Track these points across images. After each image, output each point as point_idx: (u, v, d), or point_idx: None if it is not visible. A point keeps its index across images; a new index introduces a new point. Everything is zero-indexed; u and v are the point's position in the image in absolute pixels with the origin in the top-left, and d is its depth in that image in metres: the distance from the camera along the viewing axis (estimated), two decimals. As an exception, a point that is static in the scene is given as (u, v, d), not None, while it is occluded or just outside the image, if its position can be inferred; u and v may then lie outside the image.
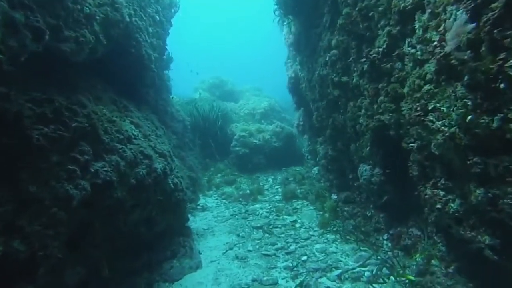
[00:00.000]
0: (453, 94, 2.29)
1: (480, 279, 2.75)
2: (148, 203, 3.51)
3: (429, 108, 2.60)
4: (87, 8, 3.01)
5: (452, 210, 2.59)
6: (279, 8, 6.68)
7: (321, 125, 6.01)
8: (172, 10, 6.63)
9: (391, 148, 3.69)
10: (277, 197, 6.99)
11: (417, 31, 2.76)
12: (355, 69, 4.24)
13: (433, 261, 3.20)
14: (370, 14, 3.65)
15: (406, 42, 2.98)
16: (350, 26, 4.18)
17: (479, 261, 2.53)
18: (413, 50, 2.85)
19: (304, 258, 4.23)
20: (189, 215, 5.02)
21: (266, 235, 5.05)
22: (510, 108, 1.88)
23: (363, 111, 4.15)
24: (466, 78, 2.11)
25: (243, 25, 48.05)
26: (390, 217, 4.20)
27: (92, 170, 2.67)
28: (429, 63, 2.61)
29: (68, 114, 2.60)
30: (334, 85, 4.91)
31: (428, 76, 2.61)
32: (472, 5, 2.00)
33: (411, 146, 3.05)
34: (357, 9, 3.92)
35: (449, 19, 2.20)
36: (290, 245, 4.62)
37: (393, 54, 3.30)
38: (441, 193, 2.74)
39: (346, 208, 5.23)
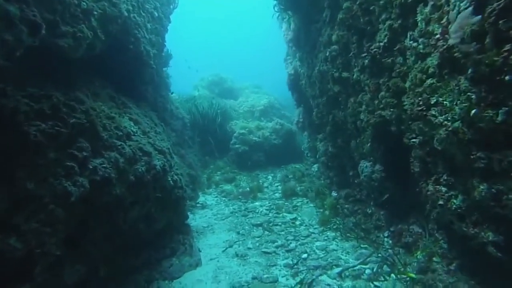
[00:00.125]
0: (457, 88, 2.26)
1: (482, 277, 2.72)
2: (147, 200, 3.49)
3: (432, 102, 2.56)
4: (84, 3, 2.96)
5: (454, 206, 2.56)
6: (278, 4, 6.64)
7: (321, 122, 5.97)
8: (171, 7, 6.58)
9: (392, 144, 3.66)
10: (277, 194, 6.97)
11: (419, 24, 2.72)
12: (355, 64, 4.19)
13: (434, 259, 3.18)
14: (371, 8, 3.61)
15: (408, 35, 2.95)
16: (350, 21, 4.14)
17: (481, 258, 2.50)
18: (415, 44, 2.81)
19: (305, 255, 4.21)
20: (188, 213, 5.00)
21: (266, 232, 5.03)
22: (515, 101, 1.85)
23: (363, 106, 4.11)
24: (470, 71, 2.08)
25: (241, 22, 47.91)
26: (391, 214, 4.18)
27: (91, 167, 2.64)
28: (431, 57, 2.58)
29: (66, 110, 2.57)
30: (335, 80, 4.87)
31: (431, 70, 2.58)
32: (477, -4, 1.96)
33: (413, 141, 3.02)
34: (357, 3, 3.88)
35: (452, 11, 2.16)
36: (290, 243, 4.60)
37: (395, 49, 3.26)
38: (443, 189, 2.71)
39: (346, 206, 5.21)
